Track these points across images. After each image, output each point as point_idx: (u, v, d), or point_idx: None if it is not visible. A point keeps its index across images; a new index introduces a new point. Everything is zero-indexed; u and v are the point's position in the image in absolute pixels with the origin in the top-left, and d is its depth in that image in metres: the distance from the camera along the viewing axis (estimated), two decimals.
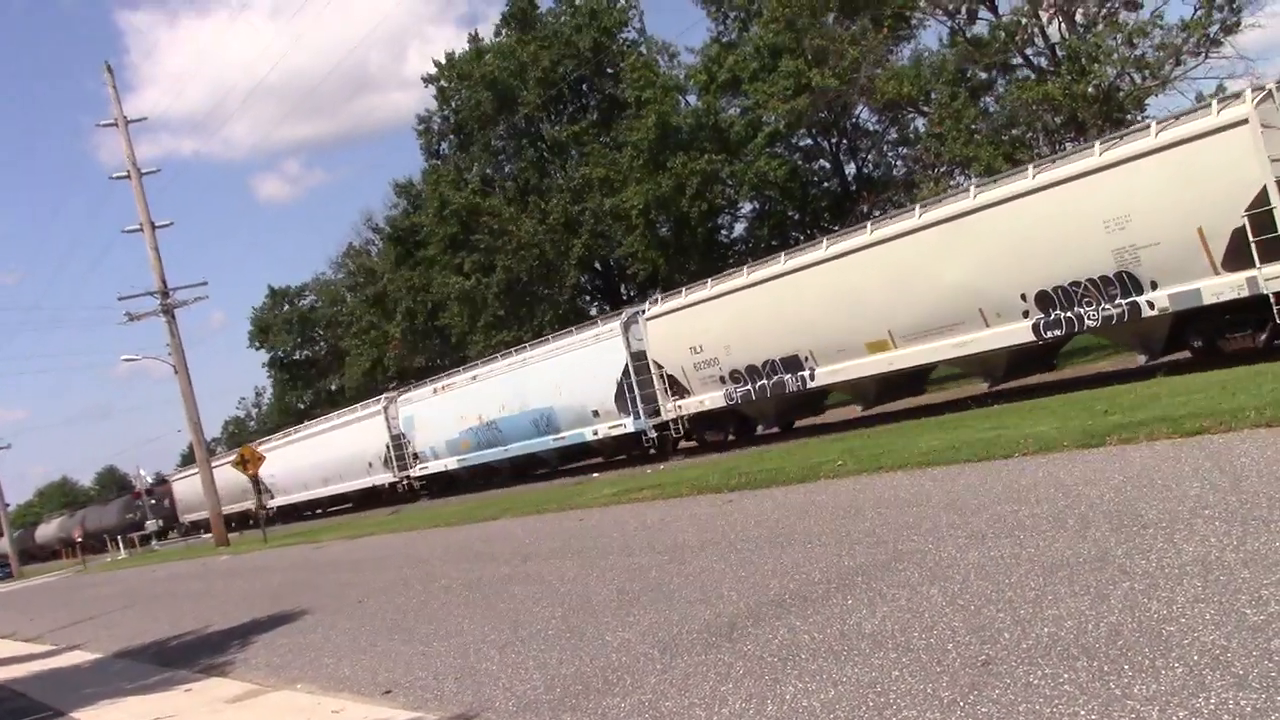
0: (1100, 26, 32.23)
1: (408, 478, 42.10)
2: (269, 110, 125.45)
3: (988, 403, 20.71)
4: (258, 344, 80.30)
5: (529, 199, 49.35)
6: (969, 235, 20.73)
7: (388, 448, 42.48)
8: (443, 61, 53.02)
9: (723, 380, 26.97)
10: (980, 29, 36.05)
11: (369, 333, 62.58)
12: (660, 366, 28.86)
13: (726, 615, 8.03)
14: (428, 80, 53.65)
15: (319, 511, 52.54)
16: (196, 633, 15.78)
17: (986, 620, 6.26)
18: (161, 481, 73.69)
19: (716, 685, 6.40)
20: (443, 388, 39.53)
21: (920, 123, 40.54)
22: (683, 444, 30.27)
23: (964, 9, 35.87)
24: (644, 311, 29.69)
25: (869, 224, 23.44)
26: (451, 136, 54.12)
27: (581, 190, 47.42)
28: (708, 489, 16.31)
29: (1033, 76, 34.16)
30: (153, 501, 62.13)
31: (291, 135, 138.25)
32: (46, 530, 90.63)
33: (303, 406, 78.48)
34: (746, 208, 48.39)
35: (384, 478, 43.45)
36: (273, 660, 11.52)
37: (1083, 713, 4.68)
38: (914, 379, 24.82)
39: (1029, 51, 35.17)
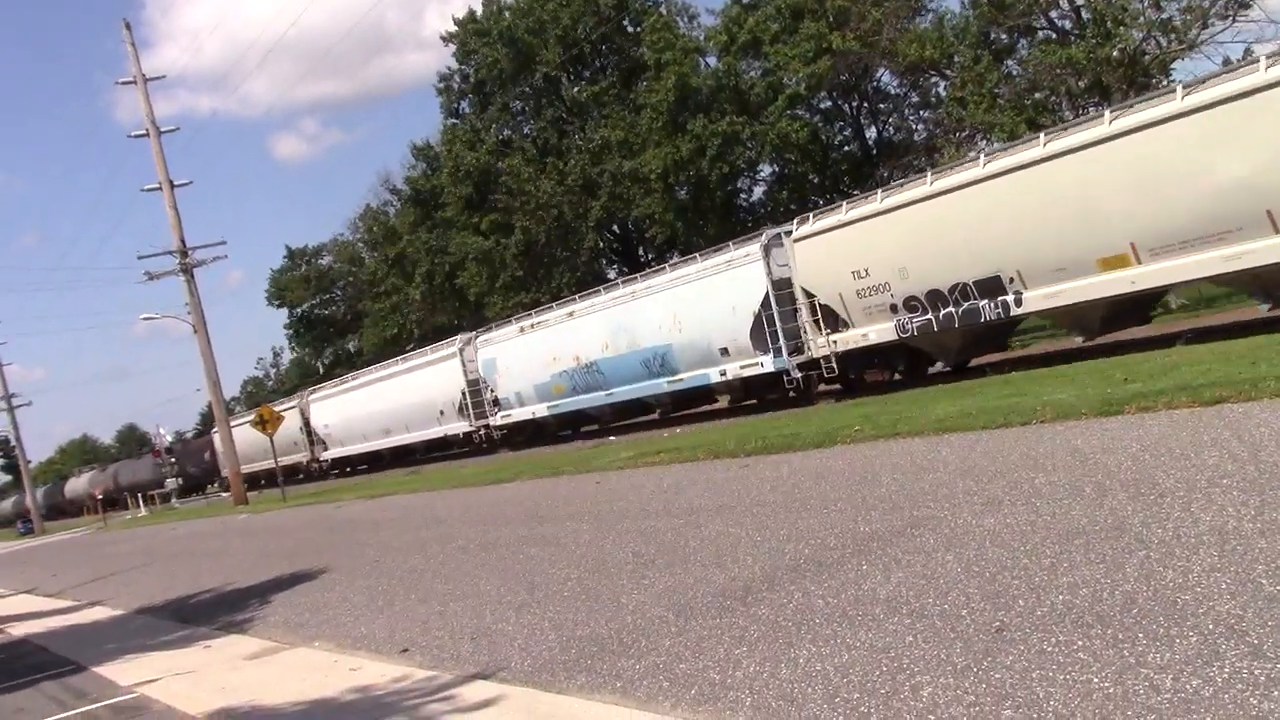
0: None
1: (485, 426, 38.45)
2: (287, 69, 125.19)
3: (1005, 370, 20.62)
4: (276, 304, 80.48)
5: (548, 160, 49.19)
6: (1257, 119, 16.52)
7: (463, 394, 38.70)
8: (463, 18, 52.75)
9: (894, 309, 22.78)
10: None
11: (390, 296, 62.64)
12: (811, 295, 24.74)
13: (741, 579, 8.07)
14: (446, 38, 53.42)
15: (380, 462, 48.52)
16: (215, 590, 15.94)
17: (1001, 587, 6.27)
18: (201, 434, 74.06)
19: (731, 648, 6.43)
20: (531, 326, 35.82)
21: (942, 86, 40.21)
22: (824, 386, 26.50)
23: None
24: (789, 232, 25.68)
25: (1106, 113, 19.16)
26: (472, 96, 53.91)
27: (600, 152, 47.24)
28: (724, 453, 16.32)
29: (1055, 39, 33.81)
30: (173, 460, 62.24)
31: (309, 94, 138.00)
32: (77, 485, 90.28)
33: (321, 368, 78.69)
34: (765, 171, 48.17)
35: (458, 427, 39.88)
36: (290, 618, 11.63)
37: (1096, 680, 4.70)
38: (1144, 304, 21.14)
39: (1053, 14, 34.81)
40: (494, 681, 7.12)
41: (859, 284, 23.31)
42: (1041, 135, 20.24)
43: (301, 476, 52.10)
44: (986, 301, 21.09)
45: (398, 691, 7.47)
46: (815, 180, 46.30)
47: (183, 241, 39.67)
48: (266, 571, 16.37)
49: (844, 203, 25.06)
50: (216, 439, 59.89)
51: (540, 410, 35.68)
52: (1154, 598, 5.45)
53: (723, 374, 28.03)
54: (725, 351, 27.64)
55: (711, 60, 47.22)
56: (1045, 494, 8.33)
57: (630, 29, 50.33)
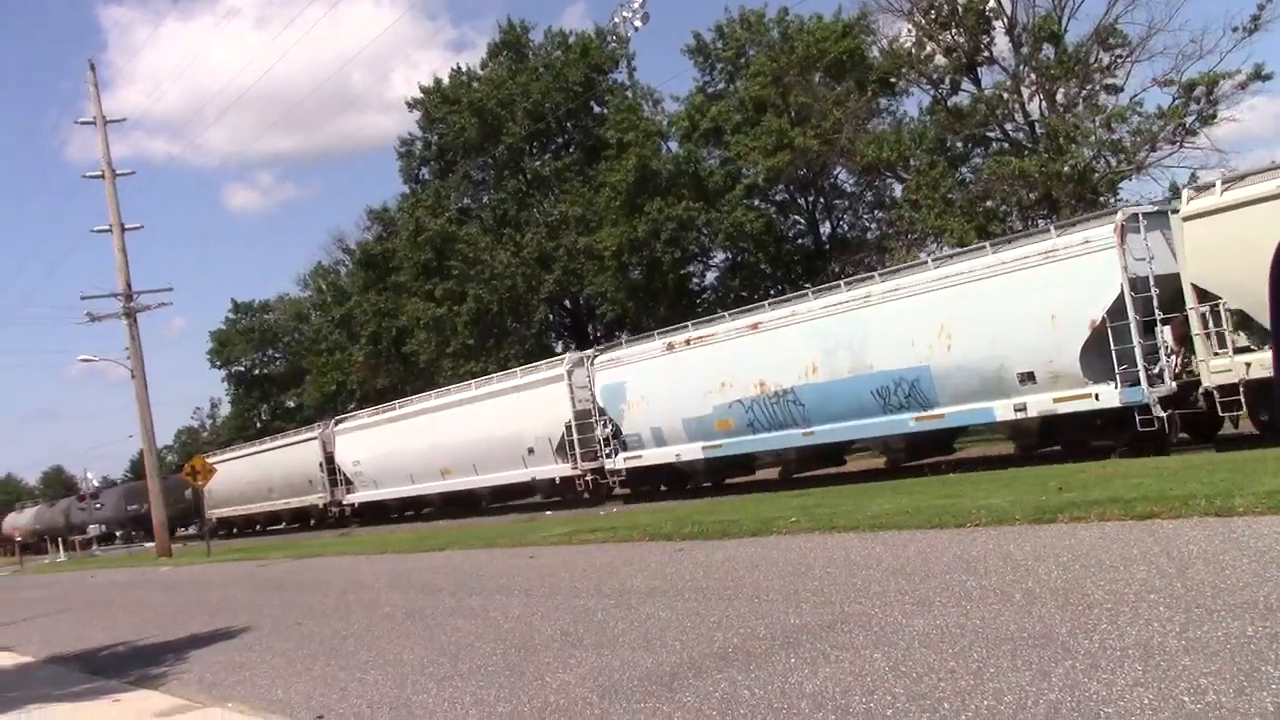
0: (1080, 107, 32.79)
1: (595, 470, 30.54)
2: (247, 120, 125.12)
3: (943, 470, 20.80)
4: (217, 362, 79.67)
5: (505, 230, 49.44)
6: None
7: (568, 428, 30.83)
8: (429, 86, 53.21)
9: None
10: (963, 99, 36.58)
11: (333, 353, 62.28)
12: (1211, 297, 17.73)
13: (669, 664, 7.99)
14: (412, 104, 53.80)
15: (426, 510, 40.99)
16: (130, 643, 15.51)
17: (927, 689, 6.25)
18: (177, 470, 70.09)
19: None
20: (686, 343, 27.90)
21: (897, 188, 41.00)
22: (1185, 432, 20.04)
23: (948, 79, 36.39)
24: (1174, 209, 19.07)
25: None
26: (433, 163, 54.23)
27: (558, 226, 47.57)
28: (659, 536, 16.26)
29: (1009, 151, 34.64)
30: (98, 505, 60.87)
31: (267, 148, 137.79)
32: (18, 519, 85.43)
33: (260, 424, 77.79)
34: (719, 257, 48.65)
35: (553, 470, 31.82)
36: (205, 676, 11.33)
37: None
38: None
39: (1008, 126, 35.70)
40: None
41: None
42: None
43: (312, 523, 45.35)
44: None
45: None
46: (768, 270, 46.80)
47: (128, 285, 39.26)
48: (185, 627, 15.97)
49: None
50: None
51: (689, 452, 27.94)
52: (1077, 709, 5.46)
53: (1019, 409, 20.69)
54: (1028, 378, 20.56)
55: (673, 145, 47.88)
56: (976, 598, 8.35)
57: (596, 108, 51.00)
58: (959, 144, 37.50)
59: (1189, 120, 31.09)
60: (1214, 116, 31.04)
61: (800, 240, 48.44)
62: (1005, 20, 34.12)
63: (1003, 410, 20.98)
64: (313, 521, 44.65)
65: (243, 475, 47.99)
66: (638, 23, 51.14)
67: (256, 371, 79.48)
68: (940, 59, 35.85)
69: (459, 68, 53.36)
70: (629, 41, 51.67)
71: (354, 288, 59.85)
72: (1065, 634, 6.86)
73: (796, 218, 48.57)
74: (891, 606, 8.57)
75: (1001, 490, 14.79)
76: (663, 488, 29.55)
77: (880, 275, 23.94)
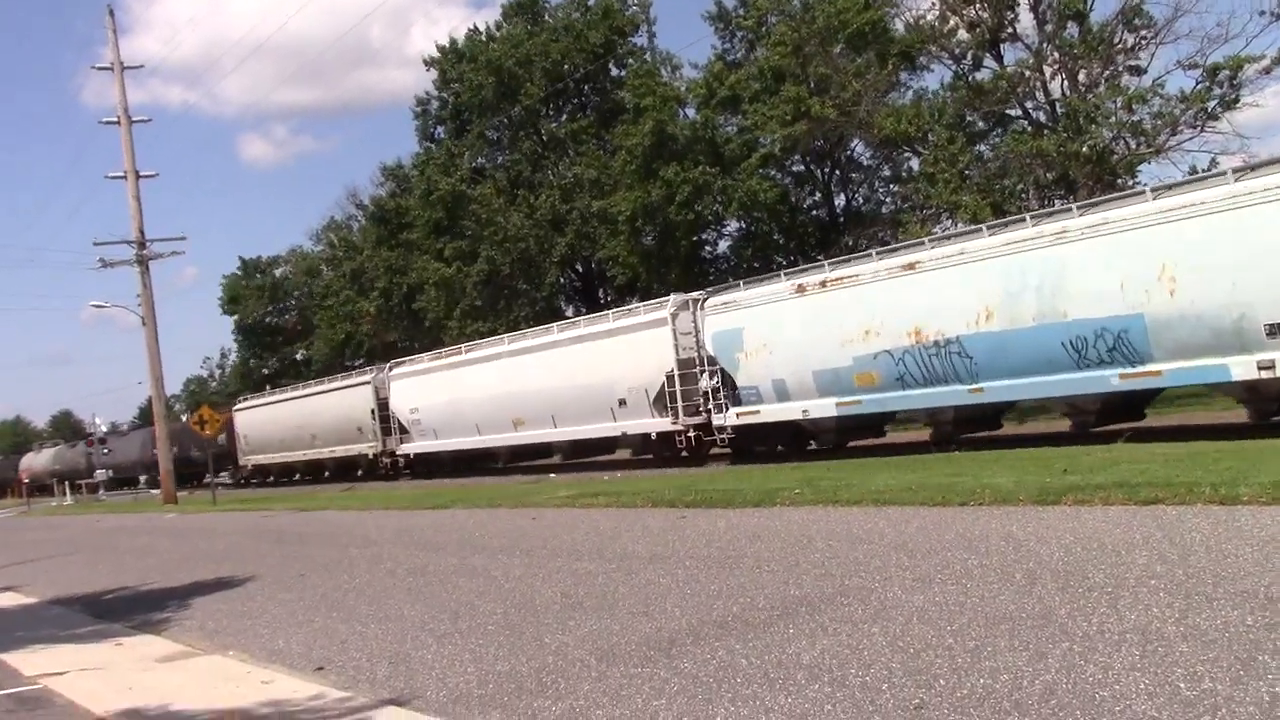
0: (1102, 88, 32.55)
1: (698, 426, 26.85)
2: (265, 70, 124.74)
3: (949, 449, 20.78)
4: (229, 311, 79.78)
5: (519, 192, 49.32)
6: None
7: (669, 378, 27.14)
8: (446, 45, 52.99)
9: None
10: (984, 75, 36.34)
11: (344, 306, 62.34)
12: None
13: (667, 630, 8.03)
14: (429, 63, 53.57)
15: (488, 465, 36.84)
16: (135, 588, 15.64)
17: (924, 664, 6.28)
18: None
19: (649, 699, 6.39)
20: (821, 285, 23.90)
21: (914, 162, 40.78)
22: None
23: (970, 54, 36.13)
24: None
25: None
26: (448, 122, 54.07)
27: (571, 189, 47.44)
28: (663, 503, 16.32)
29: (1029, 130, 34.43)
30: (105, 451, 60.87)
31: (284, 99, 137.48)
32: (36, 459, 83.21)
33: (266, 372, 77.97)
34: (732, 226, 48.51)
35: (648, 424, 28.26)
36: (208, 624, 11.43)
37: None
38: None
39: (1029, 104, 35.48)
40: (407, 709, 7.02)
41: None
42: None
43: (359, 474, 41.84)
44: None
45: (310, 709, 7.34)
46: (780, 241, 46.66)
47: (141, 232, 39.31)
48: (189, 574, 16.10)
49: None
50: (239, 418, 51.62)
51: (819, 408, 24.05)
52: (1073, 691, 5.48)
53: (1265, 366, 16.97)
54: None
55: (690, 111, 47.64)
56: (976, 576, 8.38)
57: (615, 71, 50.75)
58: (978, 121, 37.27)
59: (1211, 105, 30.84)
60: (1236, 101, 30.79)
61: (815, 212, 48.26)
62: None
63: (1241, 369, 17.22)
64: (360, 472, 41.65)
65: (284, 420, 45.58)
66: None
67: (267, 320, 79.54)
68: (963, 34, 35.60)
69: (476, 27, 53.11)
70: (650, 5, 51.36)
71: (366, 243, 59.83)
72: (1064, 616, 6.88)
73: (811, 189, 48.37)
74: (891, 582, 8.61)
75: (1007, 470, 14.80)
76: (779, 448, 26.18)
77: (1078, 209, 20.22)
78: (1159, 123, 31.58)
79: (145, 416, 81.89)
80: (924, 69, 40.41)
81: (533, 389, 31.91)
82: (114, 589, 15.82)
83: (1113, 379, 18.85)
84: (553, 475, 29.60)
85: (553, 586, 10.63)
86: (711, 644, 7.41)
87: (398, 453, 39.16)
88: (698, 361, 26.78)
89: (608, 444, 31.71)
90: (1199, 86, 31.01)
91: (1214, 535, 8.74)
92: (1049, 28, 33.49)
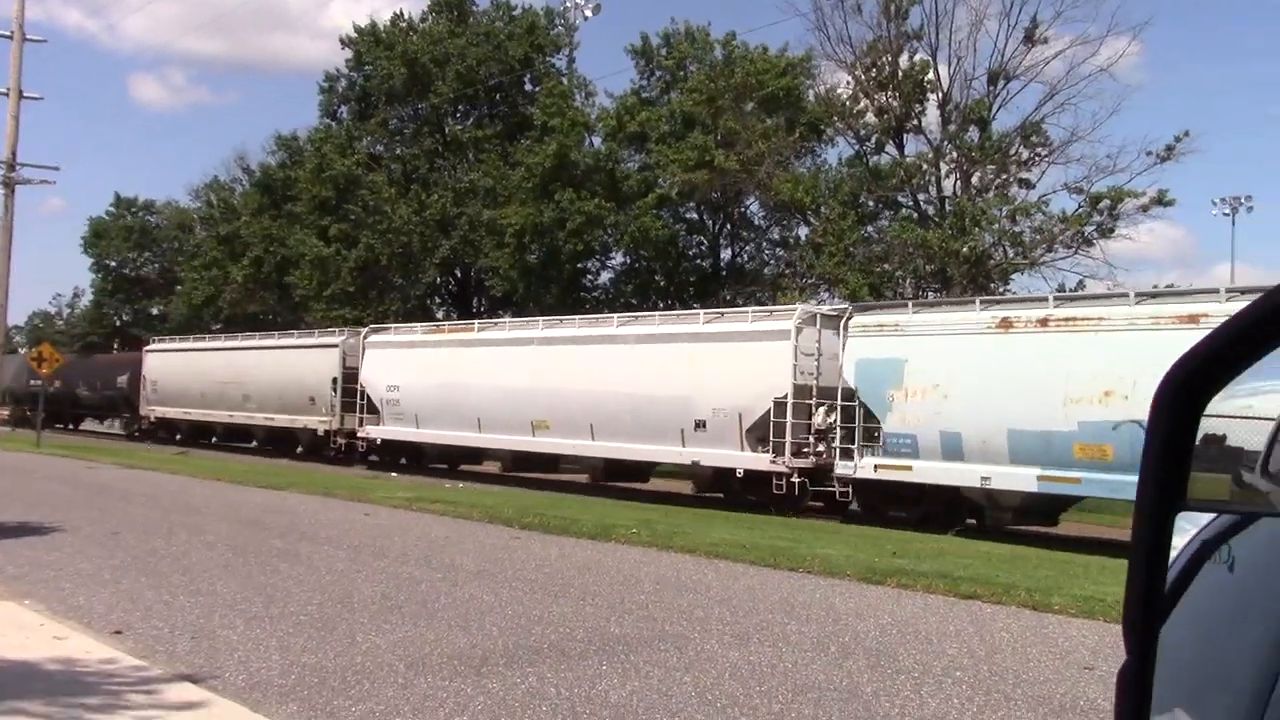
0: (991, 194, 33.68)
1: (802, 472, 21.53)
2: (172, 11, 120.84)
3: (787, 513, 21.11)
4: (92, 252, 76.75)
5: (412, 187, 48.84)
6: None
7: (778, 406, 21.78)
8: (366, 26, 52.35)
9: None
10: (884, 160, 37.29)
11: (209, 269, 60.68)
12: None
13: (482, 648, 7.97)
14: (345, 42, 52.82)
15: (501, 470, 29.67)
16: None
17: None
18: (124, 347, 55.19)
19: (452, 714, 6.32)
20: (1038, 323, 19.31)
21: (803, 231, 41.55)
22: None
23: (874, 138, 37.07)
24: None
25: None
26: (354, 104, 53.37)
27: (465, 194, 47.15)
28: (499, 520, 16.25)
29: (916, 219, 35.40)
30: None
31: (187, 46, 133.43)
32: None
33: (119, 322, 75.30)
34: (618, 259, 48.70)
35: (735, 458, 22.74)
36: (7, 569, 10.94)
37: None
38: None
39: (921, 196, 36.49)
40: (202, 687, 6.80)
41: None
42: None
43: (299, 450, 35.87)
44: None
45: (100, 673, 7.06)
46: (662, 283, 47.00)
47: (13, 155, 37.72)
48: None
49: None
50: (149, 360, 44.68)
51: (1008, 477, 19.19)
52: None
53: None
54: None
55: (596, 140, 47.82)
56: (793, 642, 8.51)
57: (529, 87, 50.71)
58: (870, 202, 38.19)
59: (1089, 229, 32.15)
60: (1112, 231, 32.15)
61: (700, 261, 48.77)
62: (940, 95, 34.89)
63: None
64: (300, 449, 35.78)
65: (208, 372, 38.99)
66: (588, 11, 51.02)
67: (128, 271, 76.88)
68: (871, 117, 36.50)
69: (400, 13, 52.56)
70: (576, 29, 51.52)
71: (246, 209, 58.47)
72: (869, 694, 7.03)
73: (700, 238, 48.89)
74: (710, 634, 8.69)
75: (839, 543, 15.09)
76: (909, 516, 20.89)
77: None
78: (1038, 237, 32.79)
79: None
80: (829, 142, 41.31)
81: (569, 389, 26.09)
82: None
83: None
84: (393, 474, 29.06)
85: (374, 586, 10.47)
86: (524, 668, 7.37)
87: (360, 435, 32.63)
88: (814, 391, 21.84)
89: (648, 469, 26.80)
90: (1080, 210, 32.31)
91: (1022, 638, 9.03)
92: (952, 127, 34.55)
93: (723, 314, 25.86)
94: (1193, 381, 1.33)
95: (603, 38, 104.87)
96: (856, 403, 20.93)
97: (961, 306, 21.50)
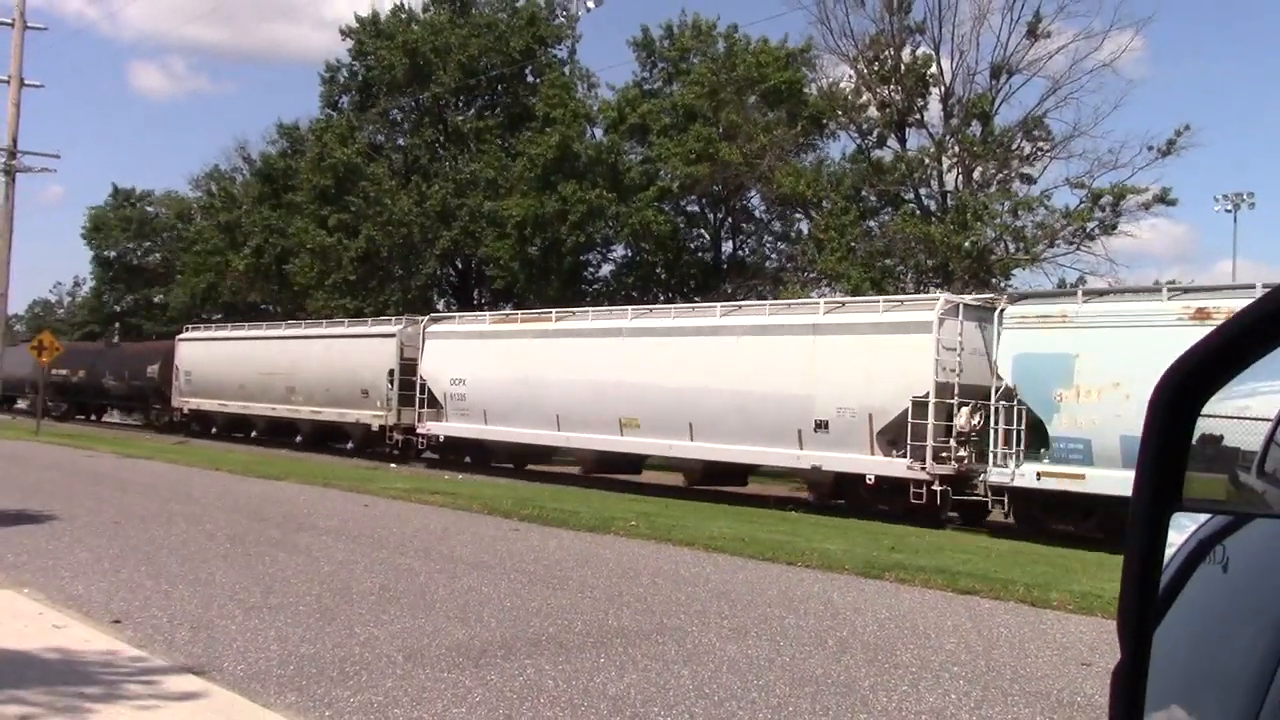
0: (993, 189, 33.64)
1: (943, 479, 19.73)
2: (173, 0, 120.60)
3: (788, 507, 21.12)
4: (90, 240, 76.80)
5: (413, 178, 48.82)
6: None
7: (917, 405, 19.93)
8: (367, 16, 52.31)
9: None
10: (886, 155, 37.23)
11: (210, 255, 60.69)
12: None
13: (480, 640, 7.98)
14: (346, 32, 52.79)
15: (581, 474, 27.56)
16: None
17: (726, 714, 6.35)
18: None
19: (450, 705, 6.33)
20: None
21: (805, 225, 41.53)
22: None
23: (876, 132, 37.01)
24: None
25: None
26: (355, 94, 53.33)
27: (466, 185, 47.12)
28: (498, 511, 16.26)
29: (918, 214, 35.37)
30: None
31: (188, 34, 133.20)
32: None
33: (119, 309, 75.30)
34: (619, 251, 48.70)
35: (868, 463, 20.74)
36: (5, 557, 10.94)
37: None
38: None
39: (923, 191, 36.45)
40: (201, 678, 6.81)
41: None
42: None
43: (350, 446, 34.14)
44: None
45: (99, 663, 7.07)
46: (663, 276, 47.00)
47: (14, 141, 37.71)
48: None
49: None
50: (182, 349, 42.62)
51: None
52: None
53: None
54: None
55: (598, 132, 47.78)
56: (791, 635, 8.52)
57: (530, 78, 50.67)
58: (872, 196, 38.15)
59: (1091, 225, 32.11)
60: (1114, 227, 32.11)
61: (701, 254, 48.76)
62: (942, 89, 34.83)
63: None
64: (350, 444, 33.94)
65: (249, 362, 37.24)
66: (590, 3, 50.97)
67: (128, 260, 76.89)
68: (873, 111, 36.46)
69: (401, 4, 52.51)
70: (578, 21, 51.46)
71: (246, 198, 58.44)
72: (867, 688, 7.04)
73: (702, 231, 48.89)
74: (709, 628, 8.70)
75: (838, 538, 15.10)
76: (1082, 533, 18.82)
77: None
78: (1039, 232, 32.75)
79: None
80: (831, 136, 41.27)
81: (664, 384, 24.25)
82: None
83: None
84: (392, 466, 29.03)
85: (373, 577, 10.48)
86: (521, 660, 7.38)
87: (420, 431, 30.52)
88: (955, 390, 20.05)
89: (748, 472, 25.24)
90: (1082, 206, 32.27)
91: (1020, 634, 9.05)
92: (954, 121, 34.50)
93: (843, 304, 24.24)
94: (1189, 382, 1.34)
95: (604, 32, 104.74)
96: (1015, 402, 19.11)
97: (1143, 296, 19.72)
